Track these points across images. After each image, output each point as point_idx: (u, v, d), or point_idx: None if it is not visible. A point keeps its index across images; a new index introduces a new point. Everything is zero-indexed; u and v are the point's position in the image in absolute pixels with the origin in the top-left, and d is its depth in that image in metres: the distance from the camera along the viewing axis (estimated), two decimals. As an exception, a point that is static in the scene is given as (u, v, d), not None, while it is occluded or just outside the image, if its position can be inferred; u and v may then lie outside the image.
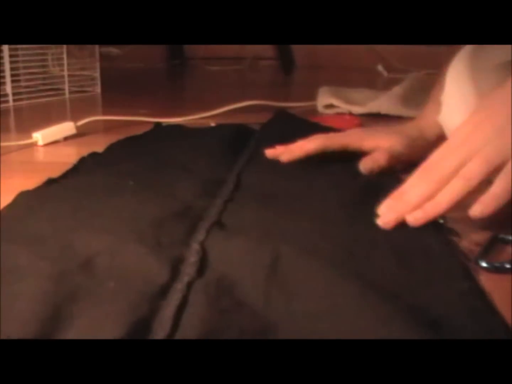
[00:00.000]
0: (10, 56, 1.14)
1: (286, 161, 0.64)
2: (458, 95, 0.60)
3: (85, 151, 0.72)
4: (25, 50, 1.22)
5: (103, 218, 0.48)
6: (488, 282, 0.40)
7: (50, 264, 0.38)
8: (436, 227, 0.47)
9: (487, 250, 0.45)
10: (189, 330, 0.31)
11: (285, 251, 0.41)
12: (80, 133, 0.87)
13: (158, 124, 0.92)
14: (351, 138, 0.67)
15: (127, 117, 0.96)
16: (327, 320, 0.33)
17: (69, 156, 0.70)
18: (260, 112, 1.00)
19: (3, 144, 0.77)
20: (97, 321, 0.32)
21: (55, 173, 0.61)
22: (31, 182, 0.58)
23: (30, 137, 0.81)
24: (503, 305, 0.36)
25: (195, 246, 0.42)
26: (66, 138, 0.85)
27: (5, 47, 1.13)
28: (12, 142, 0.80)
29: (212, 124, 0.94)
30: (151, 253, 0.40)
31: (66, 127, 0.85)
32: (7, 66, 1.14)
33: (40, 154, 0.79)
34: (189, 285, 0.36)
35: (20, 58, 1.20)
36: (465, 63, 0.60)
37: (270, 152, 0.66)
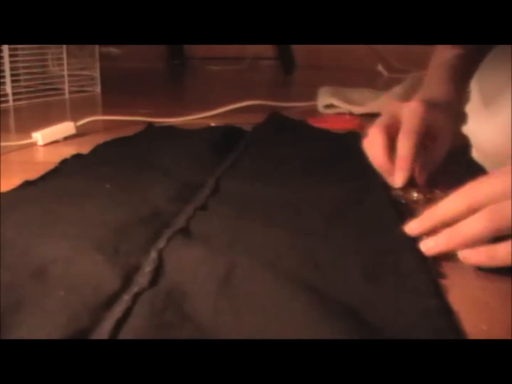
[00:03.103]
0: (10, 56, 1.14)
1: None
2: (485, 107, 0.59)
3: (85, 151, 0.72)
4: (25, 50, 1.22)
5: (67, 223, 0.47)
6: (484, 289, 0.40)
7: (3, 271, 0.37)
8: (413, 241, 0.45)
9: None
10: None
11: (241, 263, 0.39)
12: (80, 133, 0.87)
13: (150, 125, 0.91)
14: None
15: (127, 117, 0.96)
16: (273, 336, 0.32)
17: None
18: (260, 112, 0.99)
19: (3, 144, 0.77)
20: (34, 333, 0.31)
21: (55, 173, 0.61)
22: (31, 182, 0.58)
23: (30, 137, 0.81)
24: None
25: (153, 255, 0.41)
26: (66, 138, 0.85)
27: (5, 47, 1.12)
28: (12, 142, 0.80)
29: (212, 124, 0.94)
30: (107, 262, 0.39)
31: (66, 127, 0.85)
32: (7, 66, 1.14)
33: (40, 154, 0.79)
34: (136, 296, 0.35)
35: (20, 58, 1.20)
36: (489, 74, 0.59)
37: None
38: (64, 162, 0.67)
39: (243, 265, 0.39)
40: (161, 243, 0.43)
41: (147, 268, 0.39)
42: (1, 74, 1.13)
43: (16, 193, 0.55)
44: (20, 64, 1.21)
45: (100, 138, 0.81)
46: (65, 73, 1.27)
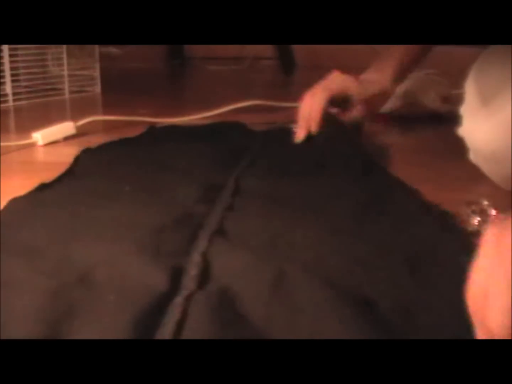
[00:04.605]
0: (10, 56, 1.14)
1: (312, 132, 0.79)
2: (483, 107, 0.59)
3: (85, 151, 0.72)
4: (25, 50, 1.21)
5: (101, 226, 0.46)
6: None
7: (47, 278, 0.37)
8: (465, 240, 0.45)
9: None
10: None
11: (289, 266, 0.39)
12: (80, 133, 0.87)
13: (152, 127, 0.90)
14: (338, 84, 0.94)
15: (127, 117, 0.96)
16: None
17: (69, 156, 0.69)
18: (260, 112, 0.99)
19: (3, 144, 0.77)
20: (97, 338, 0.31)
21: (55, 173, 0.61)
22: (31, 182, 0.58)
23: (30, 137, 0.81)
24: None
25: (196, 258, 0.41)
26: (66, 138, 0.85)
27: (5, 47, 1.12)
28: (12, 142, 0.80)
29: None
30: (151, 264, 0.39)
31: (66, 127, 0.85)
32: (7, 66, 1.14)
33: (40, 154, 0.79)
34: (189, 298, 0.35)
35: (20, 58, 1.20)
36: (486, 74, 0.59)
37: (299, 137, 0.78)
38: (76, 161, 0.66)
39: (290, 269, 0.39)
40: (201, 245, 0.43)
41: (192, 272, 0.39)
42: (1, 74, 1.13)
43: (35, 196, 0.54)
44: (20, 64, 1.21)
45: (100, 138, 0.81)
46: (65, 73, 1.27)
